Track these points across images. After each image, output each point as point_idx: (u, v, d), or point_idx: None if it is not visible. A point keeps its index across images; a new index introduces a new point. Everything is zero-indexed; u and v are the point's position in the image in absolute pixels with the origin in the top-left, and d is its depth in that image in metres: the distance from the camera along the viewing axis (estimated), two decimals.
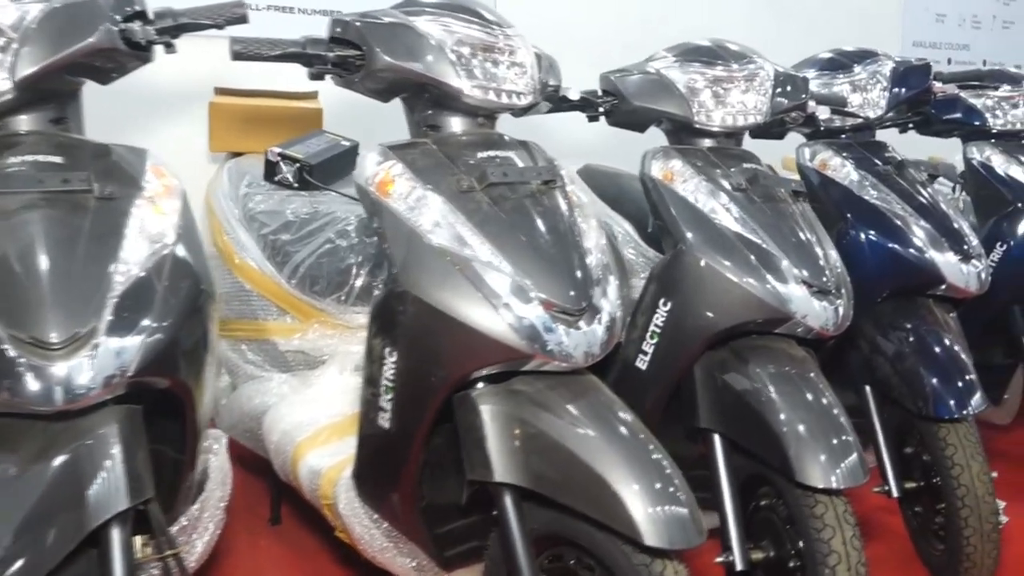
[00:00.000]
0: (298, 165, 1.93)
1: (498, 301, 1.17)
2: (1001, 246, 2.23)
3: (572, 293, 1.20)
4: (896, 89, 1.94)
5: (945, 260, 1.76)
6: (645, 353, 1.57)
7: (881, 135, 2.52)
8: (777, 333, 1.50)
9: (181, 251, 1.16)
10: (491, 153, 1.33)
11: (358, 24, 1.28)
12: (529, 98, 1.39)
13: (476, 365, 1.19)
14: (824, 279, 1.49)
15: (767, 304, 1.45)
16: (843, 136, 1.99)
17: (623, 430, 1.19)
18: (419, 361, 1.22)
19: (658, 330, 1.54)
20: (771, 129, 1.82)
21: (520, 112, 1.49)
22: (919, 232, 1.77)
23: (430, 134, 1.36)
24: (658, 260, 1.61)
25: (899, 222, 1.78)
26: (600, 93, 1.69)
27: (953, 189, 2.48)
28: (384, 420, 1.28)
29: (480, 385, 1.24)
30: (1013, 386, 2.43)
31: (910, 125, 2.47)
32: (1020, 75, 2.40)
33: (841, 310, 1.50)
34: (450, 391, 1.22)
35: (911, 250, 1.76)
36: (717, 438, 1.49)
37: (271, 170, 1.96)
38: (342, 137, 2.12)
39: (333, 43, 1.30)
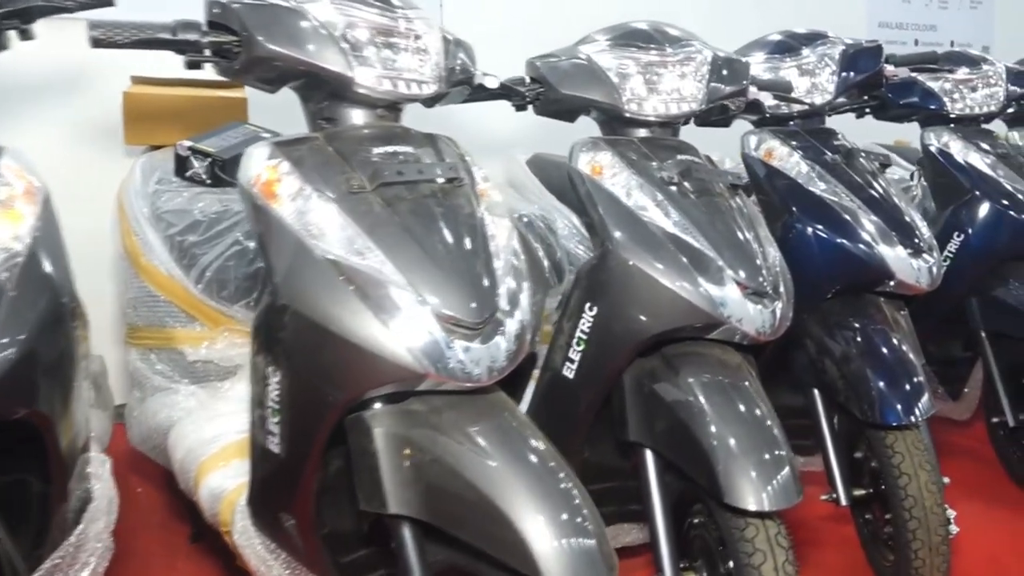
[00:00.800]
0: (210, 160, 1.79)
1: (387, 316, 1.05)
2: (958, 236, 2.14)
3: (473, 304, 1.09)
4: (845, 73, 1.83)
5: (895, 255, 1.66)
6: (572, 361, 1.46)
7: (837, 120, 2.44)
8: (711, 339, 1.40)
9: (37, 260, 1.04)
10: (391, 149, 1.20)
11: (236, 6, 1.15)
12: (434, 86, 1.27)
13: (365, 387, 1.08)
14: (761, 280, 1.38)
15: (699, 308, 1.34)
16: (791, 123, 1.88)
17: (529, 456, 1.08)
18: (306, 381, 1.11)
19: (584, 336, 1.44)
20: (711, 117, 1.71)
21: (430, 102, 1.37)
22: (868, 225, 1.67)
23: (325, 128, 1.24)
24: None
25: (847, 215, 1.68)
26: (528, 81, 1.57)
27: (911, 176, 2.39)
28: (273, 444, 1.16)
29: (376, 405, 1.12)
30: (972, 380, 2.35)
31: (866, 110, 2.38)
32: (979, 57, 2.30)
33: (779, 313, 1.40)
34: (342, 412, 1.11)
35: (859, 245, 1.66)
36: (648, 453, 1.39)
37: (181, 165, 1.81)
38: (263, 129, 1.98)
39: (211, 28, 1.18)
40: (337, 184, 1.13)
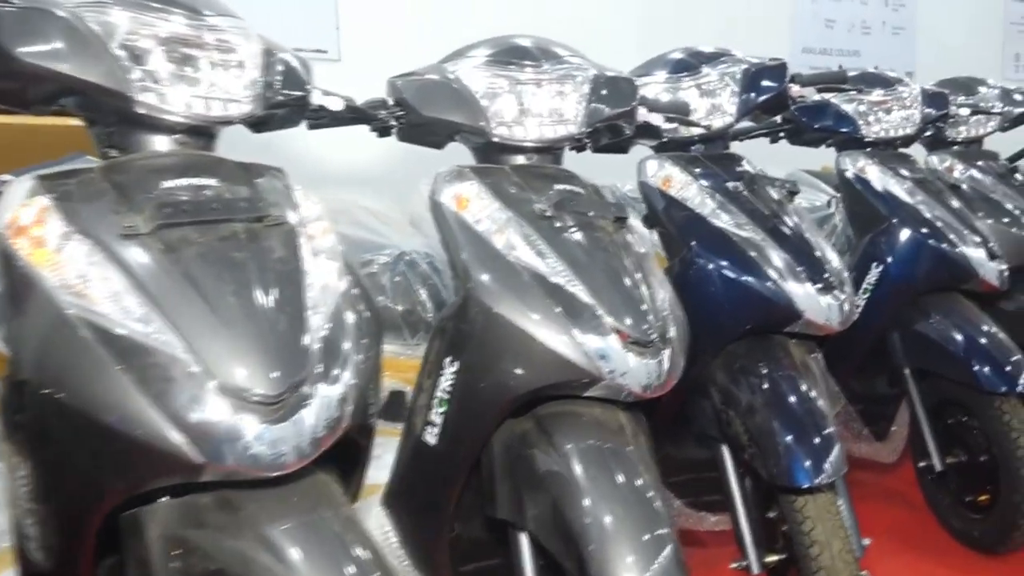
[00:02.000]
0: None
1: (156, 393, 0.83)
2: (877, 266, 2.01)
3: (273, 374, 0.88)
4: (747, 94, 1.68)
5: (803, 293, 1.50)
6: (434, 424, 1.25)
7: (763, 147, 2.30)
8: (590, 397, 1.21)
9: None
10: (187, 182, 0.99)
11: None
12: (248, 107, 1.06)
13: (132, 484, 0.85)
14: (646, 328, 1.19)
15: (573, 363, 1.15)
16: (692, 148, 1.72)
17: (345, 568, 0.86)
18: (59, 477, 0.88)
19: (446, 396, 1.23)
20: (601, 141, 1.54)
21: (255, 126, 1.17)
22: (774, 261, 1.51)
23: (110, 156, 1.02)
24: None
25: (751, 250, 1.51)
26: (391, 102, 1.37)
27: (829, 203, 2.26)
28: (34, 550, 0.93)
29: (161, 499, 0.90)
30: (900, 418, 2.21)
31: (780, 134, 2.25)
32: (893, 78, 2.19)
33: (666, 364, 1.21)
34: (109, 510, 0.88)
35: (765, 282, 1.50)
36: (521, 537, 1.19)
37: None
38: None
39: None
40: (107, 226, 0.91)
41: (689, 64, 1.72)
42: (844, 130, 2.12)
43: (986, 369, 1.83)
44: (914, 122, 2.14)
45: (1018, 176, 2.40)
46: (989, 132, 2.49)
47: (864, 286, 2.01)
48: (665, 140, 1.71)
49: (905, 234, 1.97)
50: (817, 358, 1.57)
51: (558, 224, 1.24)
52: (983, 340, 1.87)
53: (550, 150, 1.39)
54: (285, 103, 1.16)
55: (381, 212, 2.10)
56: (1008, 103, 2.47)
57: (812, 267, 1.52)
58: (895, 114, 2.14)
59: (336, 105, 1.26)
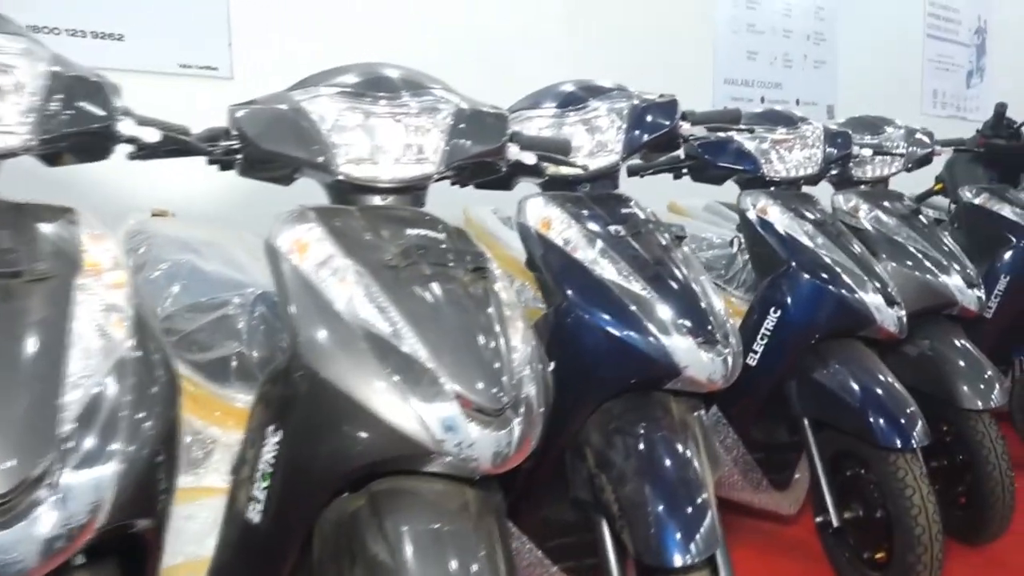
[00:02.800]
0: None
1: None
2: (775, 311, 1.93)
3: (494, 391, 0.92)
4: (634, 131, 1.59)
5: (686, 347, 1.39)
6: (257, 500, 1.10)
7: (654, 182, 2.22)
8: (429, 472, 1.07)
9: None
10: None
11: None
12: (21, 138, 0.91)
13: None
14: (496, 392, 1.06)
15: (408, 435, 1.01)
16: (578, 187, 1.61)
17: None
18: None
19: (270, 469, 1.09)
20: (466, 178, 1.42)
21: (50, 158, 1.02)
22: (655, 313, 1.40)
23: None
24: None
25: (630, 302, 1.41)
26: (234, 132, 1.23)
27: (731, 242, 2.19)
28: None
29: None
30: (803, 467, 2.13)
31: (684, 171, 2.17)
32: (797, 117, 2.14)
33: (517, 432, 1.07)
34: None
35: (647, 337, 1.38)
36: None
37: None
38: None
39: None
40: None
41: (577, 97, 1.62)
42: (745, 168, 2.05)
43: (881, 422, 1.76)
44: (816, 161, 2.09)
45: (923, 218, 2.37)
46: (894, 172, 2.46)
47: (762, 331, 1.93)
48: (547, 179, 1.60)
49: (803, 279, 1.90)
50: (700, 416, 1.47)
51: (404, 275, 1.12)
52: (879, 391, 1.80)
53: (409, 190, 1.26)
54: (80, 133, 1.01)
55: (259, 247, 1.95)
56: (912, 143, 2.44)
57: (696, 320, 1.42)
58: (797, 153, 2.08)
59: (152, 136, 1.11)
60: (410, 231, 1.18)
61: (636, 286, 1.41)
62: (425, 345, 1.05)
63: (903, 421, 1.75)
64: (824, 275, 1.89)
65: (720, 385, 1.41)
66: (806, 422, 1.93)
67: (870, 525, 1.86)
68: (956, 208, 2.91)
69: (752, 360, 1.94)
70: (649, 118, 1.60)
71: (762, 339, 1.93)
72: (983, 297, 2.26)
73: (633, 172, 2.17)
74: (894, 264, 2.22)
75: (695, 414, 1.45)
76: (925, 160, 2.49)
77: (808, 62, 4.86)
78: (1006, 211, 2.76)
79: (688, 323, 1.40)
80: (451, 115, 1.25)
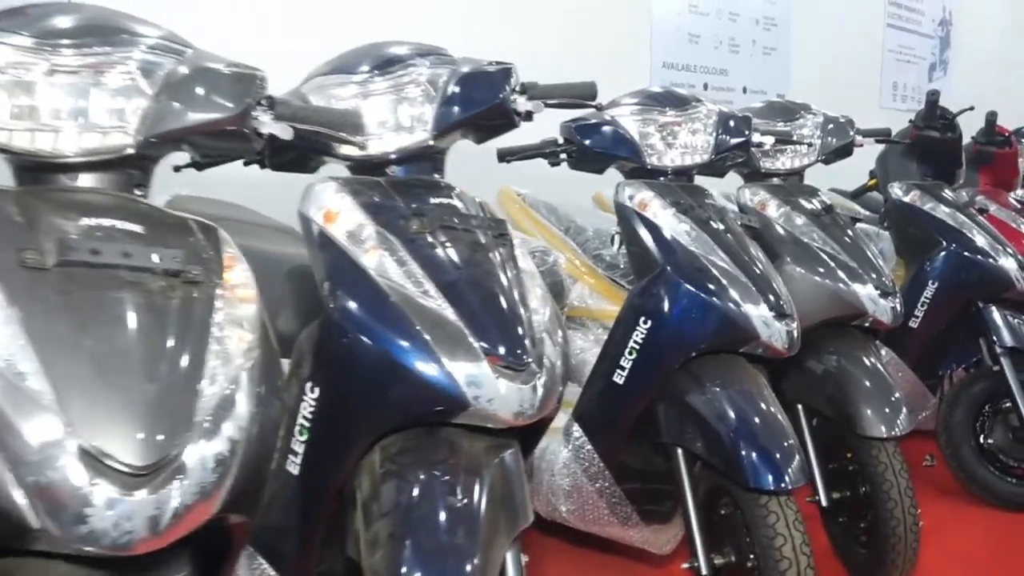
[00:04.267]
0: None
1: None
2: (645, 322, 1.66)
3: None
4: (451, 106, 1.29)
5: (482, 375, 1.10)
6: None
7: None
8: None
9: None
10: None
11: None
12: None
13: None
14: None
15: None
16: (383, 172, 1.31)
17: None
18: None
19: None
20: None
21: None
22: (446, 332, 1.10)
23: None
24: None
25: (414, 316, 1.10)
26: None
27: (612, 239, 1.91)
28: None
29: None
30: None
31: (562, 156, 1.89)
32: (690, 96, 1.85)
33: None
34: None
35: (431, 363, 1.07)
36: None
37: None
38: None
39: None
40: None
41: (390, 60, 1.32)
42: (622, 155, 1.77)
43: (753, 457, 1.49)
44: (706, 149, 1.81)
45: (838, 216, 2.10)
46: (809, 164, 2.19)
47: (631, 344, 1.65)
48: (353, 161, 1.31)
49: (679, 285, 1.63)
50: (505, 459, 1.19)
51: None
52: (756, 420, 1.53)
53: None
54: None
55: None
56: (828, 133, 2.17)
57: (500, 339, 1.11)
58: (685, 139, 1.80)
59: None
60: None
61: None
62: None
63: (778, 456, 1.49)
64: (704, 282, 1.62)
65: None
66: (679, 452, 1.66)
67: (741, 572, 1.61)
68: (886, 206, 2.65)
69: (619, 378, 1.67)
70: (470, 90, 1.31)
71: (630, 354, 1.66)
72: (899, 308, 2.00)
73: (502, 156, 1.88)
74: (800, 269, 1.96)
75: (499, 456, 1.16)
76: (844, 151, 2.22)
77: (757, 48, 4.59)
78: (938, 211, 2.51)
79: (487, 344, 1.11)
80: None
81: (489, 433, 1.17)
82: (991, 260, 2.44)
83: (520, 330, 1.15)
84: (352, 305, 1.12)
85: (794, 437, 1.52)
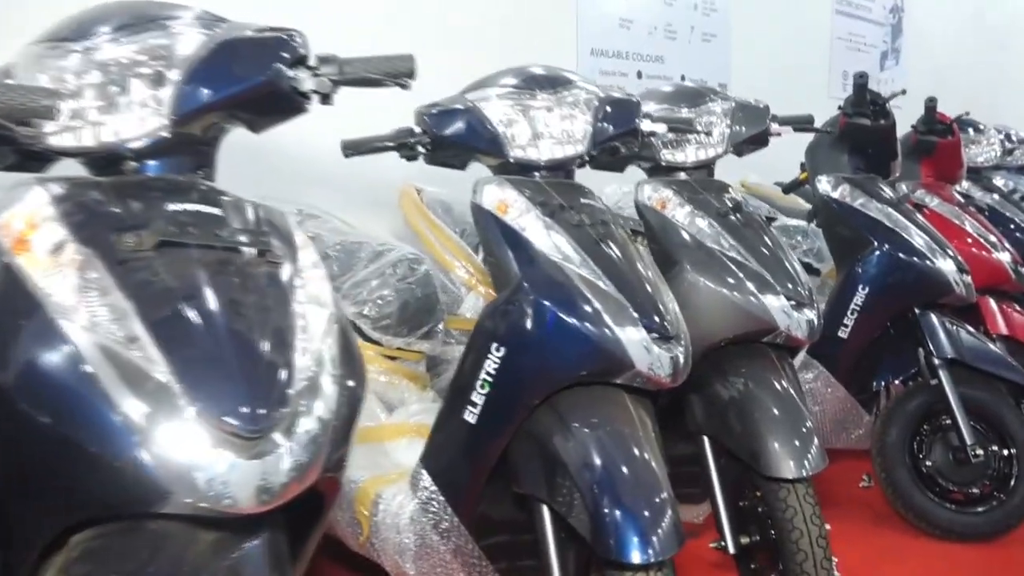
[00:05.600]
0: None
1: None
2: (498, 350, 1.36)
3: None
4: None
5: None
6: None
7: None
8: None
9: None
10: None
11: None
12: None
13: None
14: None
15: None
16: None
17: None
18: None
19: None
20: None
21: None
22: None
23: None
24: None
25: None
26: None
27: (476, 248, 1.61)
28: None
29: None
30: None
31: (419, 148, 1.58)
32: (563, 78, 1.55)
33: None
34: None
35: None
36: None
37: None
38: None
39: None
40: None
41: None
42: (476, 146, 1.47)
43: (617, 517, 1.20)
44: (581, 139, 1.51)
45: (751, 216, 1.82)
46: (717, 156, 1.91)
47: (482, 377, 1.35)
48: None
49: (536, 304, 1.33)
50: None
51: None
52: (624, 472, 1.24)
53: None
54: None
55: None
56: (737, 121, 1.89)
57: (651, 315, 0.83)
58: (558, 127, 1.50)
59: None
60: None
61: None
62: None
63: (647, 515, 1.19)
64: (569, 301, 1.32)
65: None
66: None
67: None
68: (814, 202, 2.39)
69: (471, 416, 1.37)
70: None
71: (483, 387, 1.35)
72: (817, 321, 1.72)
73: (346, 150, 1.56)
74: (703, 279, 1.68)
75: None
76: (758, 141, 1.94)
77: (695, 34, 4.32)
78: (869, 207, 2.25)
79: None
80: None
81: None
82: (928, 262, 2.18)
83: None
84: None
85: (667, 491, 1.24)
